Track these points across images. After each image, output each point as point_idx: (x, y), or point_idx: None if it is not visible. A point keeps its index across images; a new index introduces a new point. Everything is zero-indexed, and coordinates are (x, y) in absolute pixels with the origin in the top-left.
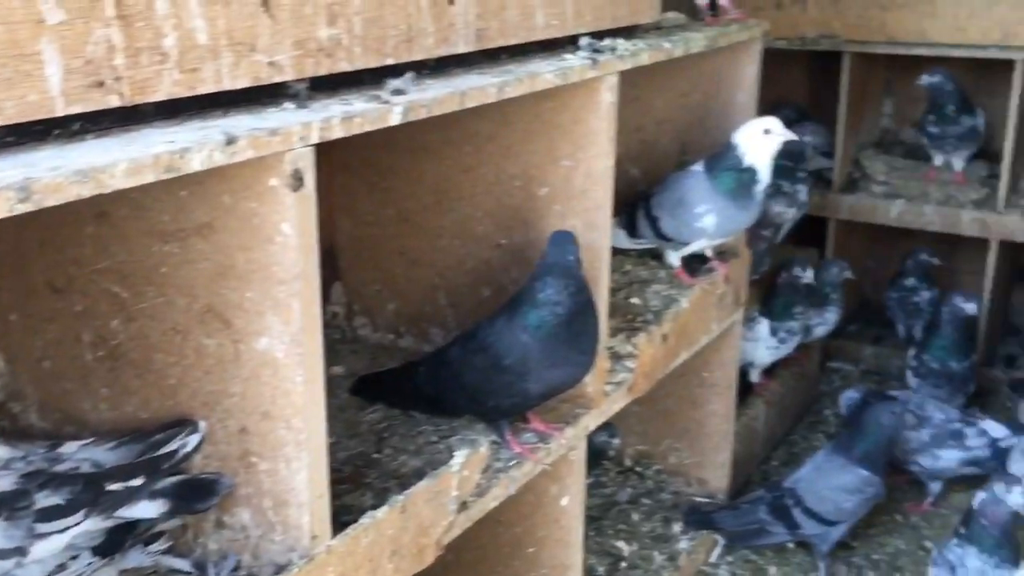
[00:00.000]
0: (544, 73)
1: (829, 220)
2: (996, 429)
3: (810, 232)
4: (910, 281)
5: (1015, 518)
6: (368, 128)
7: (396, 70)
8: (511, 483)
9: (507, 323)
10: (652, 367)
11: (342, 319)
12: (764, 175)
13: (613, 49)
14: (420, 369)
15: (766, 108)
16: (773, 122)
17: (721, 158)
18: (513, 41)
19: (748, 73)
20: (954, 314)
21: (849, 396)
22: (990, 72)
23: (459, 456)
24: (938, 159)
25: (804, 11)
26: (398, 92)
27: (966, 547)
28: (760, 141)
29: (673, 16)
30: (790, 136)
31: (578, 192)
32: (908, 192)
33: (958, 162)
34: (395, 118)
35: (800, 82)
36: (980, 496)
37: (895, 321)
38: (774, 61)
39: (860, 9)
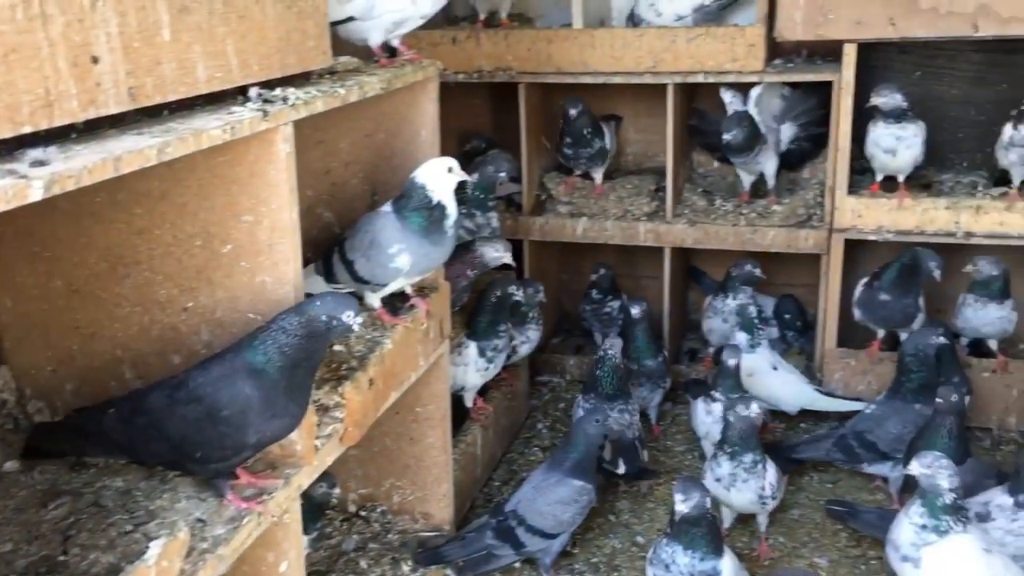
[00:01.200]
0: (210, 129)
1: (524, 241)
2: None
3: None
4: (598, 293)
5: (709, 514)
6: (2, 209)
7: (39, 137)
8: (220, 562)
9: (227, 373)
10: (362, 414)
11: (13, 406)
12: (452, 210)
13: (285, 99)
14: (110, 412)
15: (456, 138)
16: (453, 162)
17: (408, 198)
18: (173, 97)
19: (428, 111)
20: (629, 319)
21: None
22: (648, 95)
23: (155, 547)
24: (577, 172)
25: (478, 46)
26: (38, 163)
27: (673, 545)
28: (443, 179)
29: (346, 60)
30: (466, 177)
31: (264, 247)
32: (590, 210)
33: (597, 176)
34: (35, 193)
35: (484, 111)
36: None
37: (592, 330)
38: (458, 93)
39: (528, 43)
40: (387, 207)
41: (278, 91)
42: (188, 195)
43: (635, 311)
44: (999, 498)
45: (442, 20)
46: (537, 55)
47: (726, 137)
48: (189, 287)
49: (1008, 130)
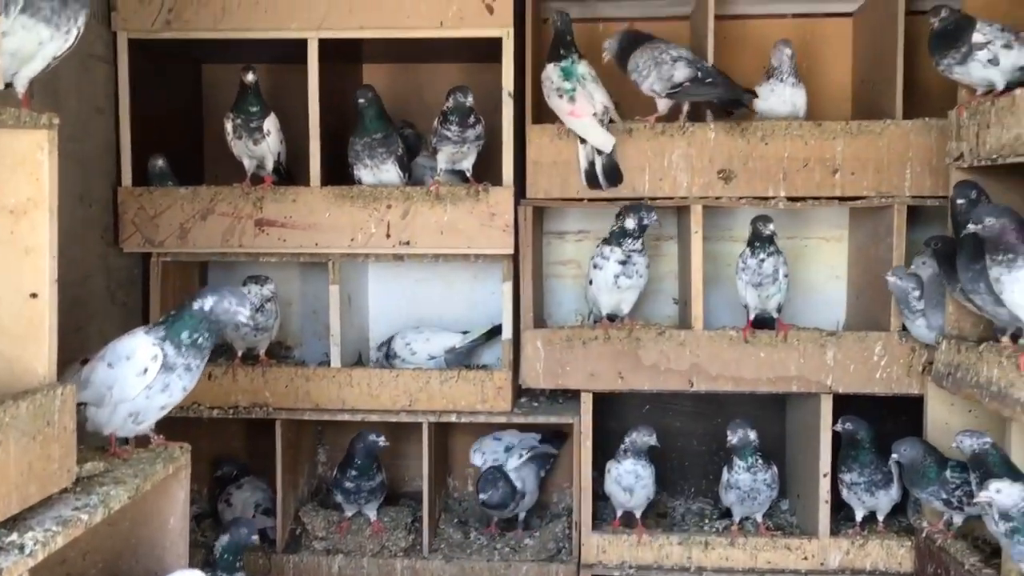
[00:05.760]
0: None
1: None
2: None
3: None
4: None
5: None
6: None
7: None
8: None
9: None
10: None
11: None
12: None
13: (21, 547)
14: None
15: (208, 463)
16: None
17: None
18: None
19: (178, 498)
20: None
21: None
22: (404, 430)
23: None
24: (350, 511)
25: (235, 382)
26: None
27: None
28: None
29: (91, 467)
30: None
31: None
32: (346, 546)
33: (371, 512)
34: None
35: (238, 436)
36: None
37: None
38: (212, 421)
39: (287, 380)
40: None
41: (14, 536)
42: None
43: None
44: None
45: None
46: (295, 392)
47: (482, 497)
48: None
49: (725, 473)
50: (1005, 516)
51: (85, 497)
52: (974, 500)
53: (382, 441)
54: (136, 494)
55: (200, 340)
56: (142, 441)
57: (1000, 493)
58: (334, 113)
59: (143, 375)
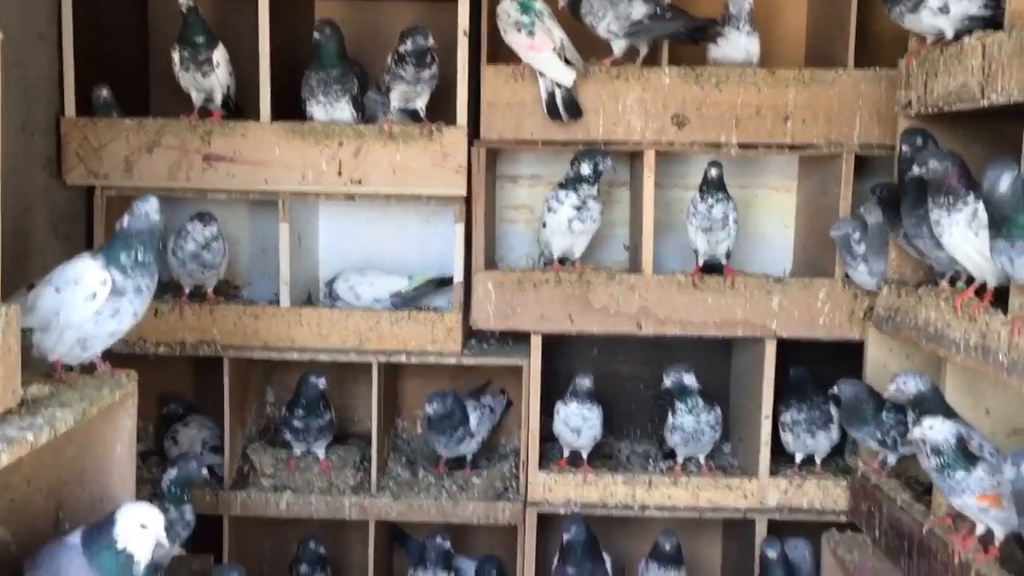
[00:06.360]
0: None
1: (224, 517)
2: None
3: (203, 530)
4: (304, 568)
5: None
6: None
7: None
8: None
9: None
10: None
11: None
12: (142, 556)
13: None
14: None
15: (155, 400)
16: (152, 516)
17: (100, 533)
18: None
19: (125, 426)
20: None
21: None
22: (354, 371)
23: None
24: (299, 449)
25: (182, 319)
26: None
27: None
28: (137, 532)
29: (36, 390)
30: (164, 541)
31: None
32: (294, 483)
33: (320, 451)
34: None
35: (186, 374)
36: None
37: None
38: (159, 359)
39: (235, 318)
40: (75, 538)
41: None
42: None
43: None
44: None
45: None
46: (244, 330)
47: (429, 410)
48: None
49: (669, 416)
50: (936, 451)
51: (30, 418)
52: (908, 436)
53: (322, 383)
54: (82, 418)
55: (141, 257)
56: (88, 369)
57: (932, 430)
58: (285, 48)
59: (92, 300)
